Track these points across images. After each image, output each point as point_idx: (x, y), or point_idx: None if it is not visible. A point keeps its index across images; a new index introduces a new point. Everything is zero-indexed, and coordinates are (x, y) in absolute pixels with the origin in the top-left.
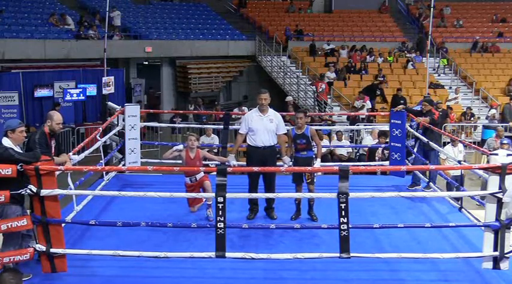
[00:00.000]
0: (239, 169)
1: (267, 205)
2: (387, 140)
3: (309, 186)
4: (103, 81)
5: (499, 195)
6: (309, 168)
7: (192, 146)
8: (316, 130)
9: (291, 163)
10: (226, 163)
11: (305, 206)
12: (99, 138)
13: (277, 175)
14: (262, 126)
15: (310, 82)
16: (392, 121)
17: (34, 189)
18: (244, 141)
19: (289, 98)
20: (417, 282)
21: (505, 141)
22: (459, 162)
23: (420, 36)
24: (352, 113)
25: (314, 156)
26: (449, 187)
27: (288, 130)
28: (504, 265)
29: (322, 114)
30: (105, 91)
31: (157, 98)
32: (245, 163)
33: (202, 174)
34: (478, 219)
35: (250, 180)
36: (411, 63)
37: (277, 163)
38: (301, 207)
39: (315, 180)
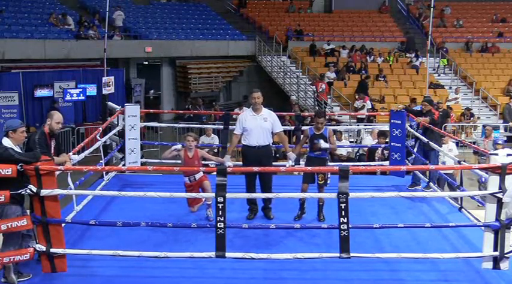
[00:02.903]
0: (239, 169)
1: (264, 204)
2: (387, 140)
3: (320, 189)
4: (103, 81)
5: (499, 195)
6: (309, 168)
7: (190, 146)
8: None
9: (300, 160)
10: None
11: (310, 206)
12: (99, 138)
13: (278, 175)
14: (257, 125)
15: (310, 82)
16: (392, 121)
17: (34, 189)
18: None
19: (292, 98)
20: (417, 282)
21: (500, 142)
22: (459, 162)
23: (409, 36)
24: (353, 113)
25: (327, 158)
26: (439, 182)
27: (305, 129)
28: (504, 265)
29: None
30: (105, 91)
31: (155, 98)
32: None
33: (201, 173)
34: (478, 219)
35: (247, 180)
36: (412, 63)
37: (276, 163)
38: (305, 206)
39: (328, 181)
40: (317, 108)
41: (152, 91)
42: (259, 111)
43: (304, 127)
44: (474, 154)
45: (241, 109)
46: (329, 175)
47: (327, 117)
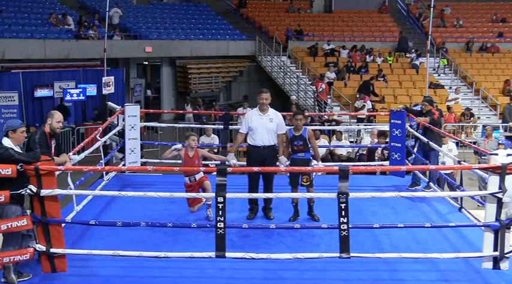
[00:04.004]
0: (239, 169)
1: (265, 205)
2: (387, 140)
3: (308, 189)
4: (103, 81)
5: (499, 195)
6: (309, 168)
7: (193, 146)
8: (314, 130)
9: (287, 163)
10: (226, 162)
11: (304, 207)
12: (99, 138)
13: (277, 175)
14: (262, 125)
15: (310, 82)
16: (392, 121)
17: (34, 189)
18: (246, 140)
19: (293, 98)
20: (417, 282)
21: (501, 142)
22: (459, 162)
23: (401, 36)
24: (353, 113)
25: (311, 158)
26: (439, 182)
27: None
28: (504, 265)
29: (322, 114)
30: (105, 91)
31: (155, 99)
32: (245, 163)
33: (201, 174)
34: (478, 219)
35: (250, 180)
36: (413, 62)
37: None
38: (299, 208)
39: (313, 182)
40: (317, 108)
41: (149, 90)
42: (266, 111)
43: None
44: (474, 154)
45: (245, 108)
46: (313, 176)
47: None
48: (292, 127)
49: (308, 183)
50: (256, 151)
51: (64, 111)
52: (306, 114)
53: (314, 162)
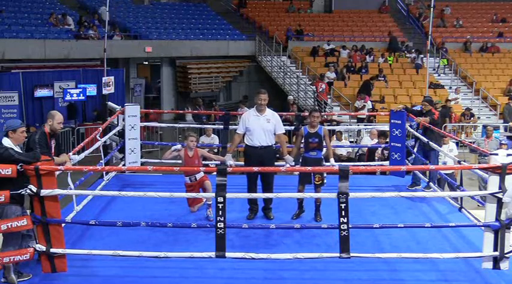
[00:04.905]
0: (239, 169)
1: (265, 205)
2: (387, 140)
3: (317, 189)
4: (103, 81)
5: (499, 195)
6: (309, 168)
7: (191, 146)
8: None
9: (293, 162)
10: (224, 162)
11: (308, 206)
12: (99, 138)
13: (278, 175)
14: (259, 125)
15: (310, 82)
16: (392, 121)
17: (34, 189)
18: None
19: (290, 98)
20: (417, 282)
21: (504, 142)
22: (459, 162)
23: (391, 37)
24: (353, 113)
25: (323, 157)
26: (440, 182)
27: (300, 129)
28: (504, 265)
29: (322, 114)
30: (105, 91)
31: (155, 99)
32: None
33: (202, 173)
34: (478, 219)
35: (249, 180)
36: (416, 61)
37: (277, 163)
38: (303, 205)
39: (325, 181)
40: (317, 108)
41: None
42: (263, 112)
43: (285, 127)
44: (473, 152)
45: (242, 108)
46: (325, 175)
47: (323, 116)
48: (307, 125)
49: (320, 181)
50: (254, 152)
51: (74, 111)
52: (306, 113)
53: (332, 162)
